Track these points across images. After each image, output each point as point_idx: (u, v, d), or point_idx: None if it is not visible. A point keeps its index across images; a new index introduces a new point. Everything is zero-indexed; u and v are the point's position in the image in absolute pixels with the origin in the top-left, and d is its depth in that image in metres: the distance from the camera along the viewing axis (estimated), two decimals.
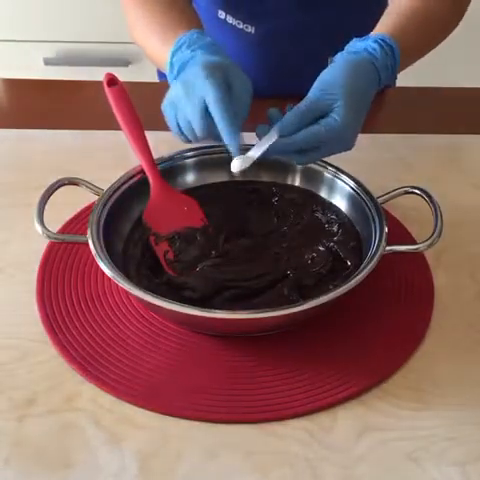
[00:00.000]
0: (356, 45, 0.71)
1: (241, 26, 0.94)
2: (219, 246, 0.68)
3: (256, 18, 0.93)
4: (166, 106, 0.67)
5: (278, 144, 0.63)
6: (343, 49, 0.73)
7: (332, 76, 0.67)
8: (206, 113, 0.63)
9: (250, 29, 0.94)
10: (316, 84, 0.67)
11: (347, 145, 0.66)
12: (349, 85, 0.65)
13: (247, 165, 0.62)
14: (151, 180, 0.71)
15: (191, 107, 0.64)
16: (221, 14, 0.94)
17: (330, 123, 0.64)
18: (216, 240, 0.68)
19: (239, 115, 0.64)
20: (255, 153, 0.62)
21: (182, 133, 0.67)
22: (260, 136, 0.64)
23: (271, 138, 0.63)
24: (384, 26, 0.74)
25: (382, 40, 0.71)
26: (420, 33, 0.77)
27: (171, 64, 0.70)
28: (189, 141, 0.68)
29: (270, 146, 0.62)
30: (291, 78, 0.98)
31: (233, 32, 0.95)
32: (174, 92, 0.66)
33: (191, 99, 0.64)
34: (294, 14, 0.92)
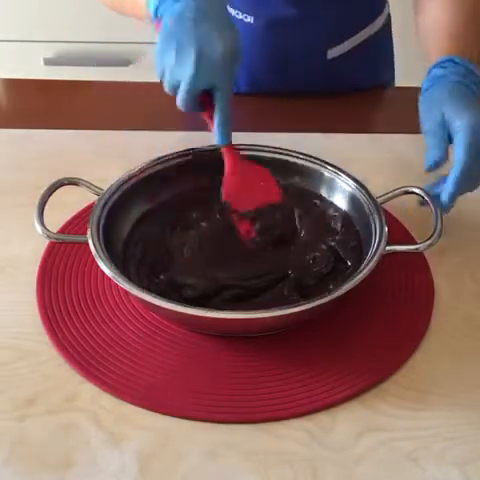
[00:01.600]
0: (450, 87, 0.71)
1: (240, 16, 0.94)
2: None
3: (255, 7, 0.93)
4: (158, 55, 0.66)
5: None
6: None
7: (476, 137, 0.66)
8: (196, 98, 0.65)
9: (249, 19, 0.94)
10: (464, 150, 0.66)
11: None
12: None
13: None
14: (226, 155, 0.71)
15: (189, 82, 0.64)
16: None
17: None
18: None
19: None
20: None
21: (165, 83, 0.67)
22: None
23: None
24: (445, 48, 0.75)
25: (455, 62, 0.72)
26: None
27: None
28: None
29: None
30: (292, 71, 0.98)
31: None
32: (169, 47, 0.65)
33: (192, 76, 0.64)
34: (293, 3, 0.92)
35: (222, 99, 0.66)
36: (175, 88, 0.66)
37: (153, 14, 0.68)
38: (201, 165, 0.75)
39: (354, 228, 0.70)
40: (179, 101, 0.66)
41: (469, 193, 0.69)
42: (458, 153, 0.65)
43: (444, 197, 0.66)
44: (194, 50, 0.63)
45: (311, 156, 0.75)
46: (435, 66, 0.73)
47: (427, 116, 0.69)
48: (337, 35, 0.97)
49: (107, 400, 0.58)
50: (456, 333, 0.65)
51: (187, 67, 0.64)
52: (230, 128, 0.68)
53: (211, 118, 0.68)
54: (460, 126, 0.66)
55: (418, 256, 0.71)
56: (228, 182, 0.71)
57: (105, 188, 0.69)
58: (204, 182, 0.75)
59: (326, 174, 0.74)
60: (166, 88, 0.67)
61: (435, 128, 0.67)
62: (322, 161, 0.74)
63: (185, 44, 0.63)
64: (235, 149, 0.71)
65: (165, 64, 0.65)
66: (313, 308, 0.57)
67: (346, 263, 0.67)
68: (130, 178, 0.71)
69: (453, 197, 0.66)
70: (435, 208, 0.67)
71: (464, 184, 0.66)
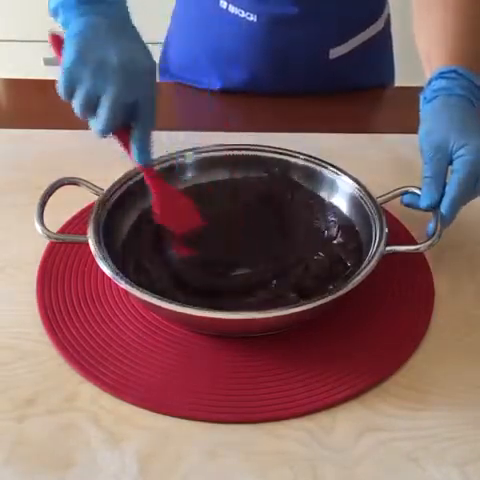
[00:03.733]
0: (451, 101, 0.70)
1: (243, 15, 0.94)
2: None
3: (258, 6, 0.93)
4: (67, 72, 0.59)
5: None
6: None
7: (475, 155, 0.65)
8: (121, 115, 0.60)
9: (252, 17, 0.93)
10: (464, 167, 0.64)
11: None
12: None
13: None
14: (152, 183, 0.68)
15: (113, 95, 0.58)
16: (223, 4, 0.95)
17: None
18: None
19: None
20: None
21: (80, 107, 0.60)
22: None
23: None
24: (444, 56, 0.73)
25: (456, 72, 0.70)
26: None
27: None
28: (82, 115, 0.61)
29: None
30: (293, 70, 0.98)
31: (235, 22, 0.95)
32: (84, 61, 0.58)
33: (107, 87, 0.58)
34: (296, 2, 0.92)
35: (146, 111, 0.61)
36: (92, 107, 0.59)
37: (52, 14, 0.64)
38: (201, 164, 0.75)
39: (354, 228, 0.70)
40: (100, 122, 0.59)
41: None
42: (454, 181, 0.64)
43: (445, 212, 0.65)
44: (118, 62, 0.58)
45: (311, 156, 0.75)
46: (437, 77, 0.71)
47: (427, 136, 0.67)
48: (340, 35, 0.97)
49: (107, 400, 0.58)
50: (456, 333, 0.65)
51: (111, 80, 0.58)
52: (149, 145, 0.63)
53: (125, 141, 0.63)
54: (462, 155, 0.65)
55: (418, 256, 0.71)
56: (156, 207, 0.68)
57: (105, 188, 0.69)
58: (204, 181, 0.75)
59: (326, 174, 0.74)
60: (78, 109, 0.60)
61: (435, 156, 0.65)
62: (322, 161, 0.74)
63: (108, 56, 0.58)
64: (154, 172, 0.67)
65: (84, 75, 0.58)
66: (314, 308, 0.57)
67: (346, 264, 0.67)
68: (130, 178, 0.71)
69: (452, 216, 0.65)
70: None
71: (461, 204, 0.65)
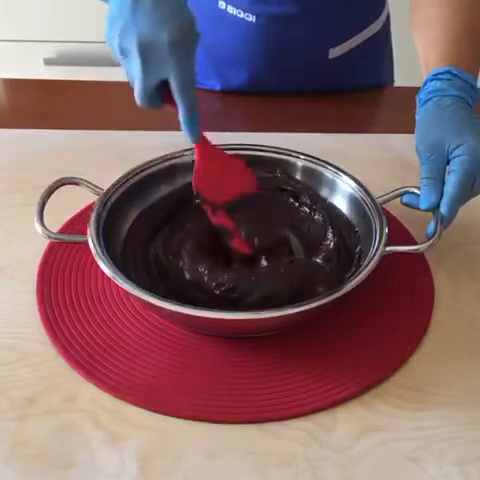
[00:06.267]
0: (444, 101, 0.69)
1: (242, 16, 0.94)
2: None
3: (257, 6, 0.93)
4: (108, 43, 0.60)
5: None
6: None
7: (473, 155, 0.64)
8: (156, 92, 0.61)
9: (251, 18, 0.93)
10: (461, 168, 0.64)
11: None
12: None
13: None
14: (196, 144, 0.66)
15: (140, 77, 0.59)
16: (221, 4, 0.95)
17: None
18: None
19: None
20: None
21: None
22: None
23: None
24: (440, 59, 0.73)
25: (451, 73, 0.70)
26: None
27: None
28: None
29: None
30: (293, 70, 0.98)
31: (234, 22, 0.95)
32: (114, 42, 0.58)
33: (144, 67, 0.58)
34: (295, 2, 0.92)
35: (179, 90, 0.60)
36: (131, 83, 0.62)
37: None
38: None
39: (354, 228, 0.70)
40: (137, 100, 0.62)
41: None
42: (452, 182, 0.64)
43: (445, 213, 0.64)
44: (135, 47, 0.57)
45: (311, 156, 0.75)
46: (431, 79, 0.71)
47: (424, 138, 0.67)
48: (339, 35, 0.97)
49: (107, 400, 0.58)
50: (456, 333, 0.65)
51: (134, 64, 0.59)
52: (197, 120, 0.62)
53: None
54: (458, 155, 0.64)
55: (418, 256, 0.71)
56: (198, 173, 0.67)
57: (105, 188, 0.69)
58: None
59: (326, 174, 0.74)
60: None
61: (431, 156, 0.65)
62: (322, 161, 0.74)
63: (127, 39, 0.58)
64: (206, 142, 0.66)
65: (117, 57, 0.60)
66: (313, 308, 0.57)
67: (346, 264, 0.67)
68: (130, 178, 0.71)
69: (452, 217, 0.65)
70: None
71: (460, 204, 0.65)
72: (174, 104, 0.62)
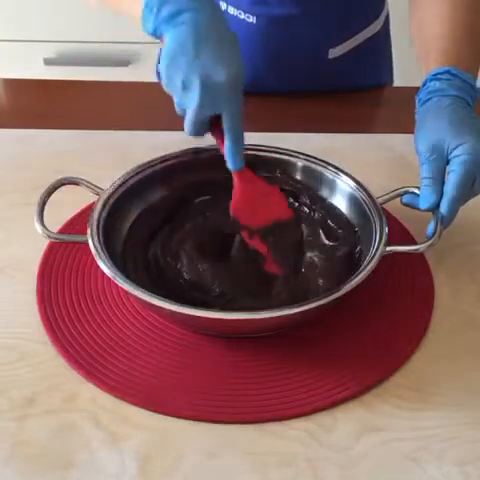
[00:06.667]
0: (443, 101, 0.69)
1: (242, 16, 0.94)
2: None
3: (257, 7, 0.93)
4: (164, 74, 0.64)
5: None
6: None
7: (473, 155, 0.64)
8: (206, 124, 0.64)
9: (251, 19, 0.93)
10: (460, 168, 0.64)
11: None
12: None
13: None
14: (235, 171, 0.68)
15: (196, 109, 0.62)
16: (222, 5, 0.95)
17: None
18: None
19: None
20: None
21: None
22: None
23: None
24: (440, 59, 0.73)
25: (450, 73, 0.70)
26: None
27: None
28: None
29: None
30: (293, 71, 0.98)
31: (235, 23, 0.95)
32: (173, 73, 0.62)
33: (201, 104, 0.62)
34: (295, 3, 0.92)
35: (230, 124, 0.64)
36: (183, 113, 0.65)
37: (151, 34, 0.65)
38: (201, 165, 0.75)
39: (354, 228, 0.70)
40: (186, 128, 0.65)
41: None
42: (452, 182, 0.64)
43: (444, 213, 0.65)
44: (198, 80, 0.61)
45: (311, 156, 0.75)
46: (431, 79, 0.71)
47: (423, 138, 0.67)
48: (339, 35, 0.97)
49: (107, 400, 0.58)
50: (456, 333, 0.65)
51: (192, 96, 0.62)
52: (241, 152, 0.66)
53: (222, 140, 0.66)
54: (458, 154, 0.64)
55: (418, 256, 0.71)
56: (236, 200, 0.69)
57: (105, 188, 0.69)
58: (204, 181, 0.75)
59: (326, 174, 0.74)
60: (176, 109, 0.66)
61: (431, 157, 0.65)
62: (322, 161, 0.74)
63: (188, 74, 0.61)
64: (247, 171, 0.69)
65: (172, 88, 0.64)
66: (313, 309, 0.57)
67: (346, 264, 0.67)
68: (130, 178, 0.71)
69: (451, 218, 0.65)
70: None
71: (460, 203, 0.65)
72: (217, 136, 0.66)
